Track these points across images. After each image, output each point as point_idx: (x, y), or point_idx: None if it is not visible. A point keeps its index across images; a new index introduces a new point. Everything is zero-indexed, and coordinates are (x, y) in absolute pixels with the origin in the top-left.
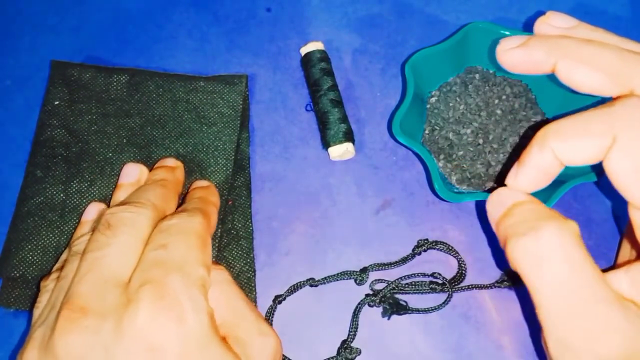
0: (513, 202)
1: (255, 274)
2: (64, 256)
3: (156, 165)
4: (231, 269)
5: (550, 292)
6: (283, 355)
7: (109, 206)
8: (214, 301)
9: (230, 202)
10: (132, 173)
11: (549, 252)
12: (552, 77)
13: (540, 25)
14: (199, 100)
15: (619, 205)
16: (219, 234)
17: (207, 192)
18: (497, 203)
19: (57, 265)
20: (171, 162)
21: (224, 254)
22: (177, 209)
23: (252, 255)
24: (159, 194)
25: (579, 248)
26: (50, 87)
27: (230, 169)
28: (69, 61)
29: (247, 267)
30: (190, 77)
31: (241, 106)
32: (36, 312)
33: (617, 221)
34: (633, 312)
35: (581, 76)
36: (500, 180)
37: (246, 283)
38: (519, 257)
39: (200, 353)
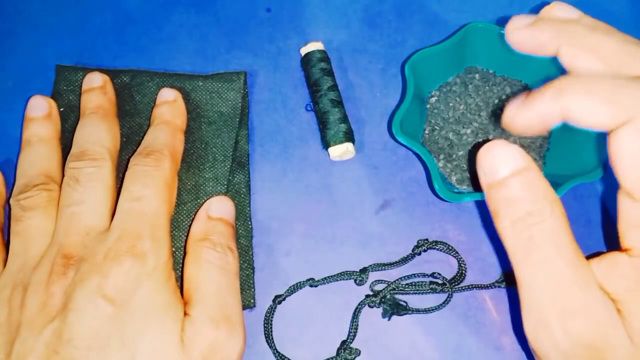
0: (511, 170)
1: (254, 272)
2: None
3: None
4: None
5: (533, 270)
6: (283, 355)
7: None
8: (208, 276)
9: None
10: (41, 105)
11: (538, 236)
12: (551, 78)
13: (544, 15)
14: (199, 99)
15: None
16: None
17: (173, 115)
18: (491, 165)
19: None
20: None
21: None
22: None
23: (251, 253)
24: (110, 139)
25: (566, 230)
26: (55, 94)
27: (228, 165)
28: (73, 65)
29: (245, 265)
30: (190, 76)
31: (240, 104)
32: None
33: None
34: (608, 299)
35: (583, 63)
36: None
37: (245, 281)
38: (508, 236)
39: (150, 291)
